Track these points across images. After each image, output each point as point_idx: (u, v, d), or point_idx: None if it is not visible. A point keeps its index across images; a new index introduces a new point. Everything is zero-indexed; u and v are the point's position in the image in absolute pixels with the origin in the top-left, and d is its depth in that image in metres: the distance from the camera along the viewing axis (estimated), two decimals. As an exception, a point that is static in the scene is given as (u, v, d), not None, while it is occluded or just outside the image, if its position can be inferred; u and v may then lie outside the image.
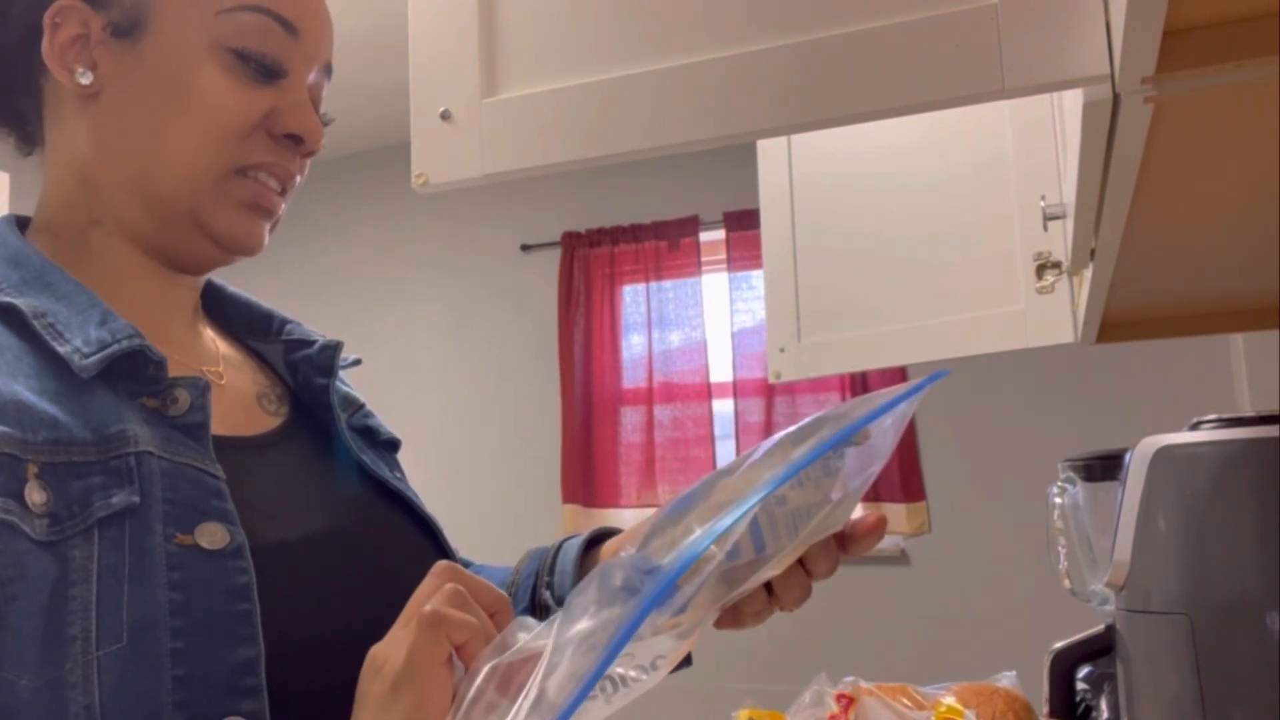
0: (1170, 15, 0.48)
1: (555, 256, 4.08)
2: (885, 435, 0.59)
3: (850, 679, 1.19)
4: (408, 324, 4.28)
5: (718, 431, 3.77)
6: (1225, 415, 0.93)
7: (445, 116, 0.76)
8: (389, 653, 0.53)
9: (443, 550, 0.76)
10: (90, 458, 0.57)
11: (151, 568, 0.55)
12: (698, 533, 0.53)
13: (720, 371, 3.83)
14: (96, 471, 0.56)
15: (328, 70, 0.75)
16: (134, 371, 0.62)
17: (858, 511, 0.60)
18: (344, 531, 0.68)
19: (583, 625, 0.49)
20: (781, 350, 1.57)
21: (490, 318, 4.19)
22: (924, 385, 0.59)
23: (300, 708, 0.57)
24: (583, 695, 0.46)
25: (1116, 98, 0.58)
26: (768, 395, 3.71)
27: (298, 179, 0.73)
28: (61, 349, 0.60)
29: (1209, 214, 0.87)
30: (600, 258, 4.00)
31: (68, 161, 0.69)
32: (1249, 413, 0.92)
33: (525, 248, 4.15)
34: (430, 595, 0.54)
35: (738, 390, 3.77)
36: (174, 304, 0.72)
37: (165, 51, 0.67)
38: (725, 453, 3.75)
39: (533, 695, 0.47)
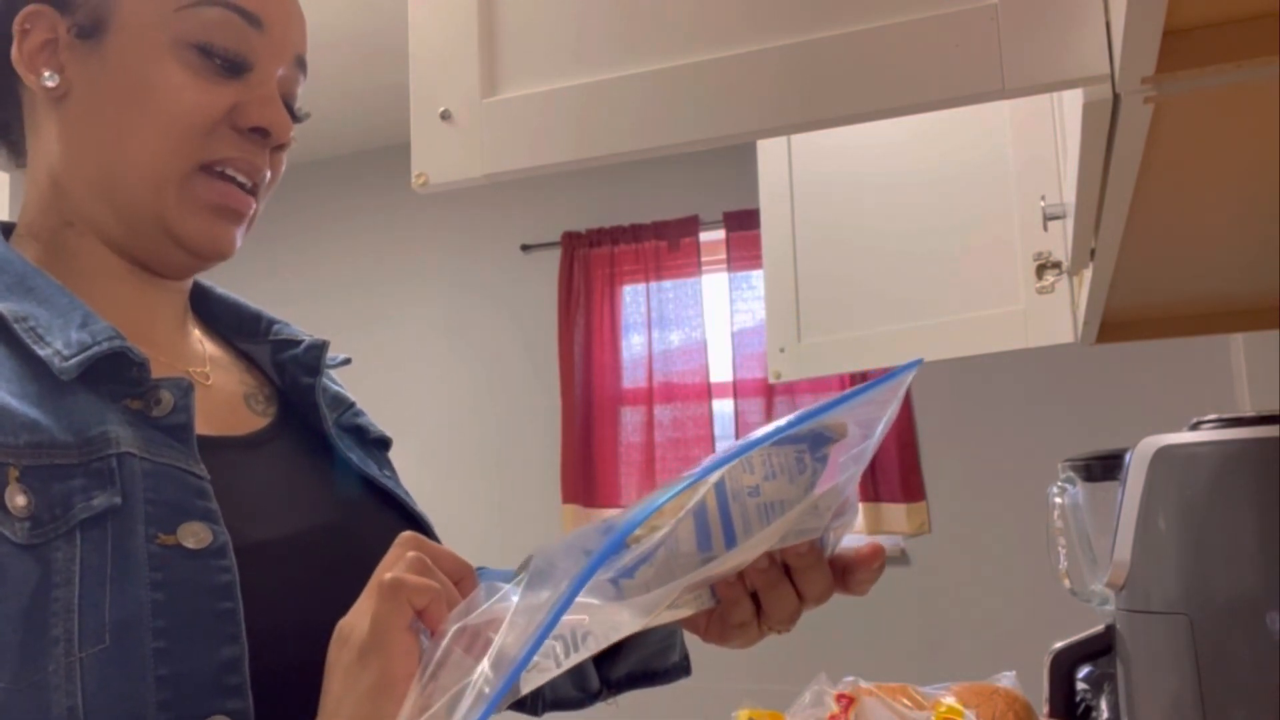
0: (1170, 15, 0.48)
1: (555, 256, 4.08)
2: (869, 429, 0.57)
3: (850, 679, 1.19)
4: (407, 324, 4.28)
5: (718, 431, 3.77)
6: (1225, 415, 0.93)
7: (445, 116, 0.76)
8: (354, 622, 0.53)
9: None
10: (71, 460, 0.56)
11: (134, 568, 0.55)
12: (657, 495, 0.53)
13: (720, 371, 3.82)
14: (78, 474, 0.56)
15: (300, 64, 0.74)
16: (116, 373, 0.62)
17: (854, 539, 0.59)
18: (331, 529, 0.68)
19: (547, 587, 0.49)
20: (781, 350, 1.57)
21: (490, 318, 4.19)
22: (898, 374, 0.57)
23: (286, 706, 0.57)
24: (534, 649, 0.46)
25: (1116, 98, 0.58)
26: (768, 395, 3.71)
27: (268, 174, 0.72)
28: (42, 352, 0.60)
29: (1209, 214, 0.87)
30: (600, 258, 4.00)
31: (42, 165, 0.70)
32: (1249, 413, 0.92)
33: (525, 248, 4.15)
34: (393, 564, 0.54)
35: (738, 390, 3.76)
36: (157, 304, 0.72)
37: (127, 51, 0.67)
38: (725, 453, 3.74)
39: (494, 652, 0.47)
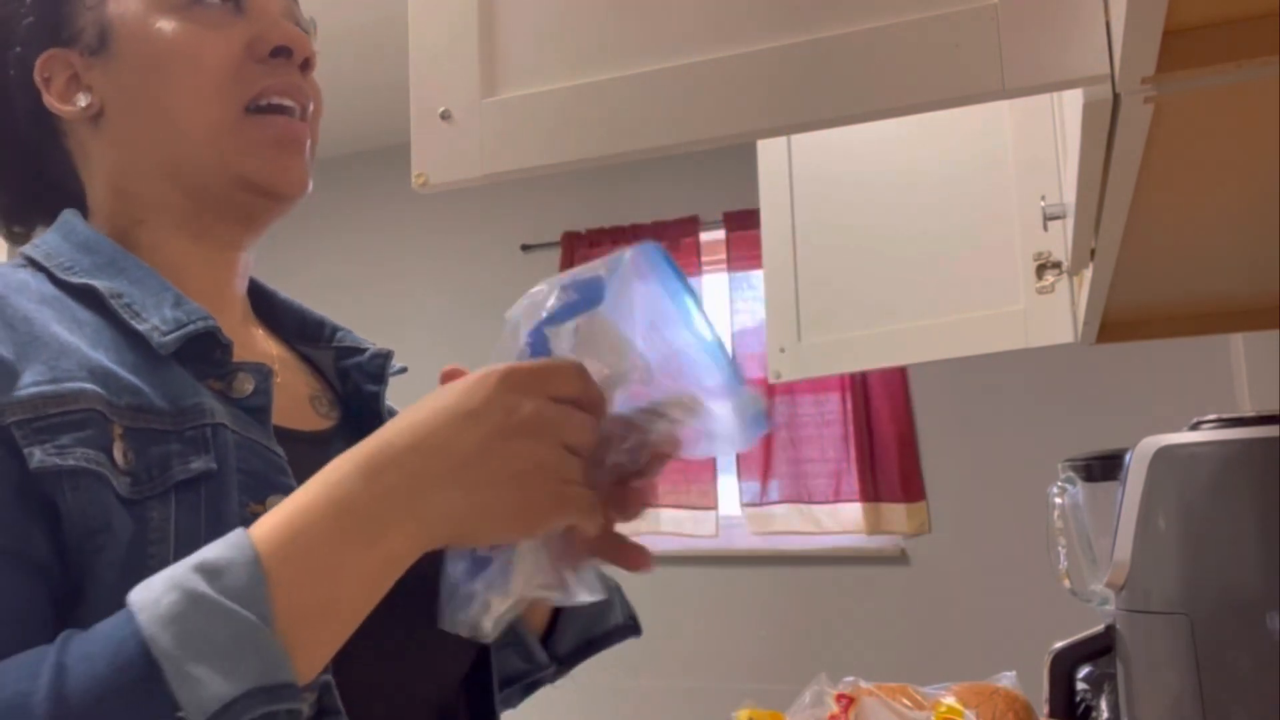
0: (1170, 15, 0.48)
1: (555, 256, 4.07)
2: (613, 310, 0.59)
3: (850, 679, 1.19)
4: (407, 324, 4.28)
5: (718, 431, 3.76)
6: (1225, 415, 0.93)
7: (445, 116, 0.76)
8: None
9: None
10: (168, 426, 0.59)
11: (227, 531, 0.57)
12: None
13: (720, 371, 3.82)
14: (174, 439, 0.59)
15: None
16: (203, 354, 0.64)
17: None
18: None
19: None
20: (781, 350, 1.57)
21: (491, 318, 4.18)
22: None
23: (347, 679, 0.59)
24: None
25: (1116, 98, 0.58)
26: (768, 395, 3.71)
27: (310, 100, 0.74)
28: (140, 327, 0.63)
29: (1209, 214, 0.87)
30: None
31: (102, 183, 0.72)
32: (1249, 413, 0.92)
33: (525, 248, 4.14)
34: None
35: (738, 390, 3.76)
36: (226, 297, 0.74)
37: (133, 40, 0.70)
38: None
39: None
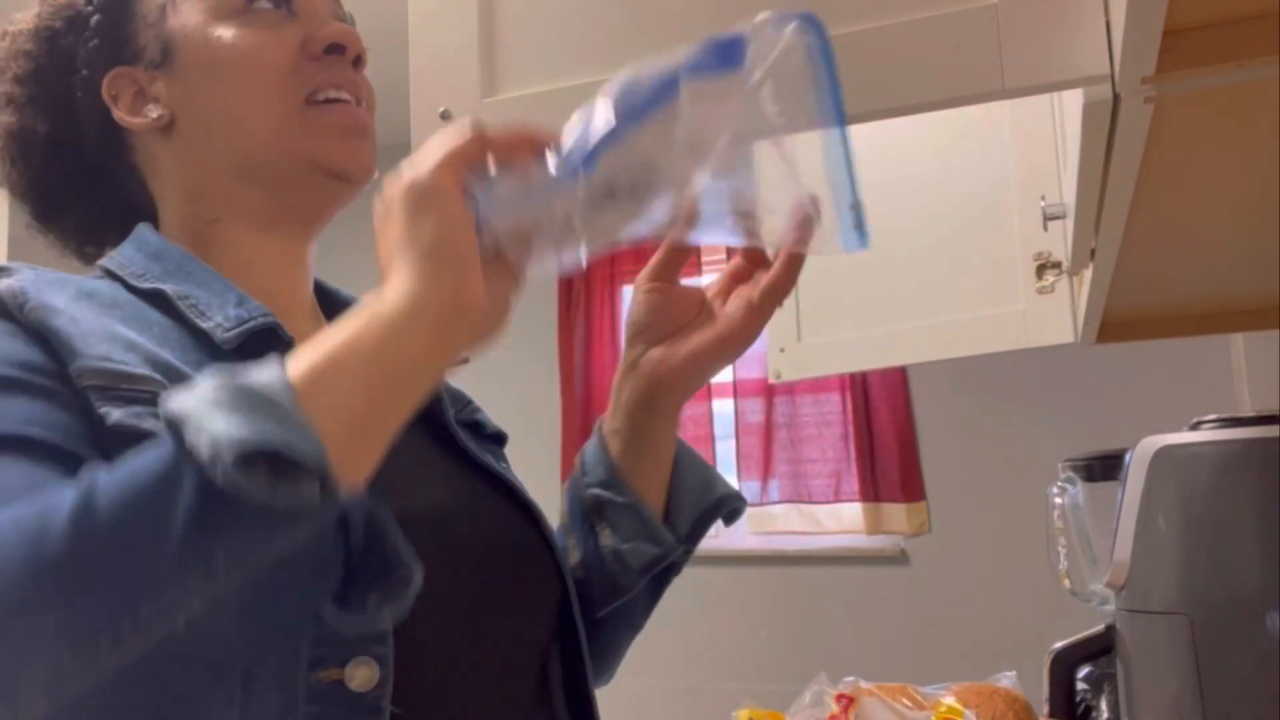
0: (1170, 15, 0.48)
1: (555, 256, 4.07)
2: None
3: (850, 679, 1.20)
4: (408, 324, 4.28)
5: (718, 431, 3.77)
6: (1225, 415, 0.93)
7: (445, 116, 0.76)
8: (410, 171, 0.57)
9: (543, 534, 0.80)
10: None
11: None
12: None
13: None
14: None
15: None
16: (266, 349, 0.66)
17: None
18: (457, 508, 0.73)
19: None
20: (781, 350, 1.57)
21: (490, 318, 4.18)
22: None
23: (416, 664, 0.61)
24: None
25: (1116, 98, 0.58)
26: (768, 395, 3.71)
27: (364, 94, 0.76)
28: (205, 325, 0.66)
29: (1209, 214, 0.87)
30: (600, 258, 4.00)
31: (175, 189, 0.76)
32: (1249, 413, 0.92)
33: (525, 248, 4.14)
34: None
35: (738, 390, 3.76)
36: (295, 293, 0.77)
37: (195, 50, 0.73)
38: (725, 453, 3.75)
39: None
